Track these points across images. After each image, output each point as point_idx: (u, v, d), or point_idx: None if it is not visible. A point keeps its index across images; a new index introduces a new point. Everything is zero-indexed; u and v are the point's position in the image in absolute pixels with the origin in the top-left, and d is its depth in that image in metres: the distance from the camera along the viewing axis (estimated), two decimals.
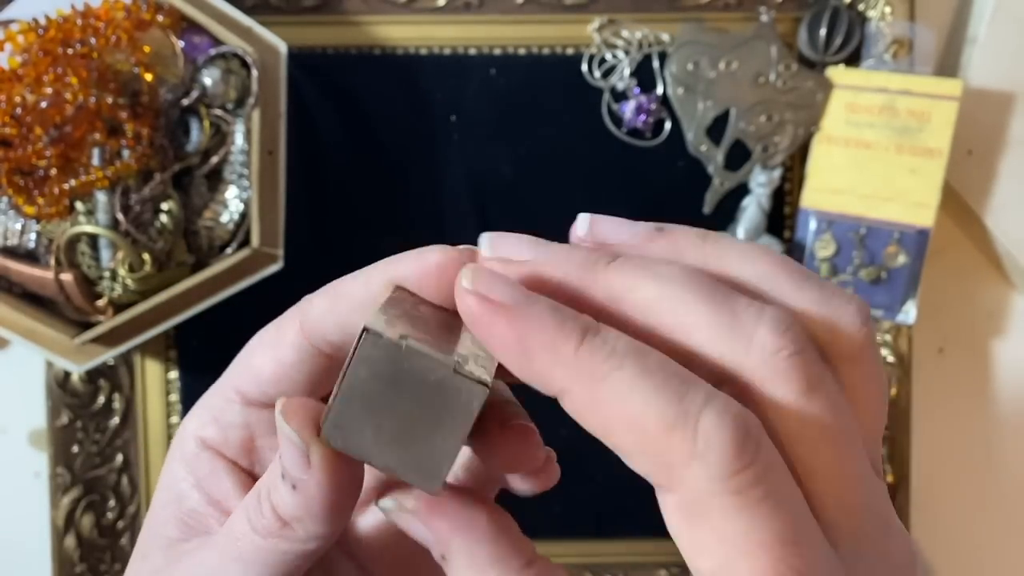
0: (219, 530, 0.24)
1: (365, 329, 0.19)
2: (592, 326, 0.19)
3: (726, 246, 0.22)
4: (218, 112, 0.51)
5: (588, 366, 0.19)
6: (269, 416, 0.25)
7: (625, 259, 0.21)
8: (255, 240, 0.50)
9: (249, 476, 0.26)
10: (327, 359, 0.24)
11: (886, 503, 0.21)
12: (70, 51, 0.48)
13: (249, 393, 0.25)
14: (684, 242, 0.22)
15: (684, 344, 0.20)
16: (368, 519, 0.27)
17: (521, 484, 0.24)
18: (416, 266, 0.21)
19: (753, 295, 0.20)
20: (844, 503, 0.20)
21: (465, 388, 0.19)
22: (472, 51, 0.56)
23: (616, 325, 0.20)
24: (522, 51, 0.56)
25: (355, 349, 0.19)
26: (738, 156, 0.56)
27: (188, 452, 0.26)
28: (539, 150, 0.57)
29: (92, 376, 0.56)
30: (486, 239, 0.22)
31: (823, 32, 0.54)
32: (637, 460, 0.19)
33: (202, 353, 0.57)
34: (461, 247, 0.22)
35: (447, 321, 0.21)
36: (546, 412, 0.24)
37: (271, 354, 0.24)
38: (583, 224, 0.23)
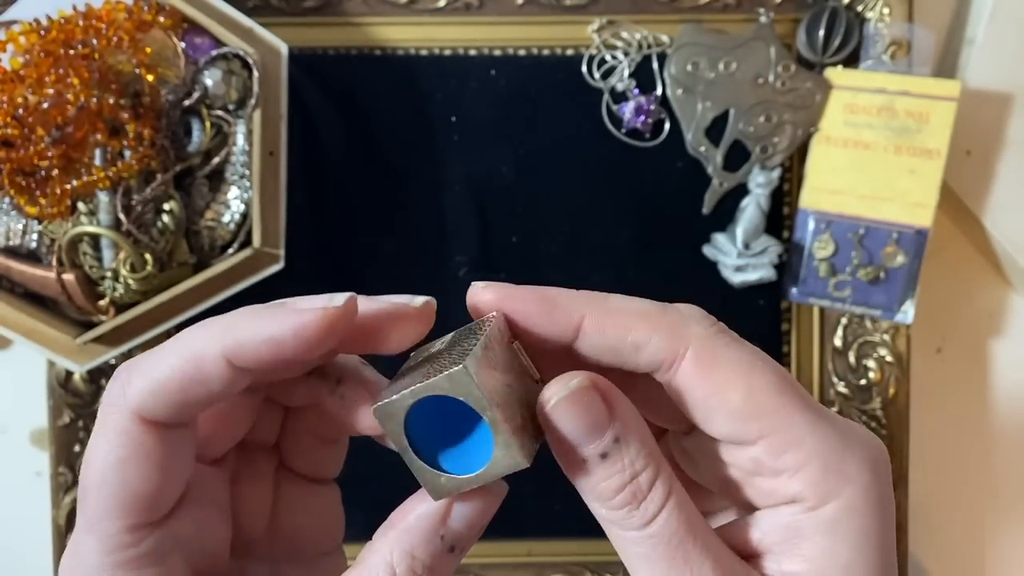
0: None
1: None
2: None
3: None
4: (219, 113, 0.51)
5: (598, 297, 0.25)
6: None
7: None
8: (256, 240, 0.50)
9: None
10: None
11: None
12: (72, 52, 0.48)
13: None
14: None
15: None
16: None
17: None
18: (277, 332, 0.23)
19: None
20: None
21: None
22: (472, 52, 0.56)
23: None
24: (522, 52, 0.56)
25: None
26: (737, 157, 0.57)
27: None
28: (539, 151, 0.57)
29: (94, 376, 0.56)
30: None
31: (822, 33, 0.54)
32: (652, 347, 0.24)
33: None
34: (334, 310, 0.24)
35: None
36: None
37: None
38: None
